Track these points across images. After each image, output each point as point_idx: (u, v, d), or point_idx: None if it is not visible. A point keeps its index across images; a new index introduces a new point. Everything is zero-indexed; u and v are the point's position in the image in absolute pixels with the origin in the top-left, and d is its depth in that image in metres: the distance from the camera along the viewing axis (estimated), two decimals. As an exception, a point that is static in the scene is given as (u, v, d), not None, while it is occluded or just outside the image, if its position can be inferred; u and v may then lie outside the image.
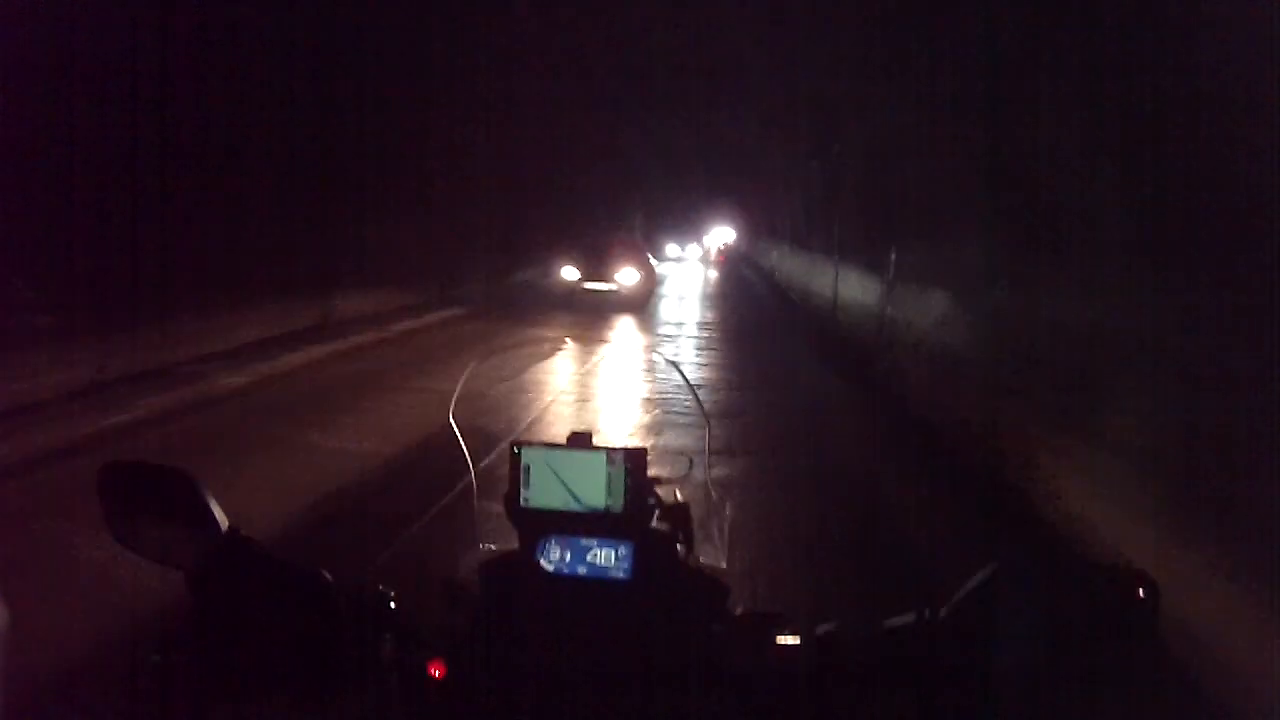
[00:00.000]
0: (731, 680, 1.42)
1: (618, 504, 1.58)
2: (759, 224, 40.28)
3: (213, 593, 1.41)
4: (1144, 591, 1.27)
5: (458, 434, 1.78)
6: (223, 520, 1.42)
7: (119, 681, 1.44)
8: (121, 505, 1.43)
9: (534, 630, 1.47)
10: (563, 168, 26.27)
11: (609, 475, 1.58)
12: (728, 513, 1.86)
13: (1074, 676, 1.28)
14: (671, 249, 48.94)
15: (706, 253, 50.50)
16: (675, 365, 1.83)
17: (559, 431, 2.09)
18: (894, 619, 1.40)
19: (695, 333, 17.87)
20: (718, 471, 8.55)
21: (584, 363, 12.38)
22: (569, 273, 21.74)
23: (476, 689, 1.43)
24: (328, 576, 1.52)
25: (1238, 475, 4.60)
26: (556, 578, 1.56)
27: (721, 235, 52.72)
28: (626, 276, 21.50)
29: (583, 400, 9.99)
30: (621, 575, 1.55)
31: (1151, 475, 5.34)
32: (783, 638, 1.49)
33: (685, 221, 53.22)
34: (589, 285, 21.29)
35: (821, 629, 1.45)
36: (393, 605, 1.53)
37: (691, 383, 1.80)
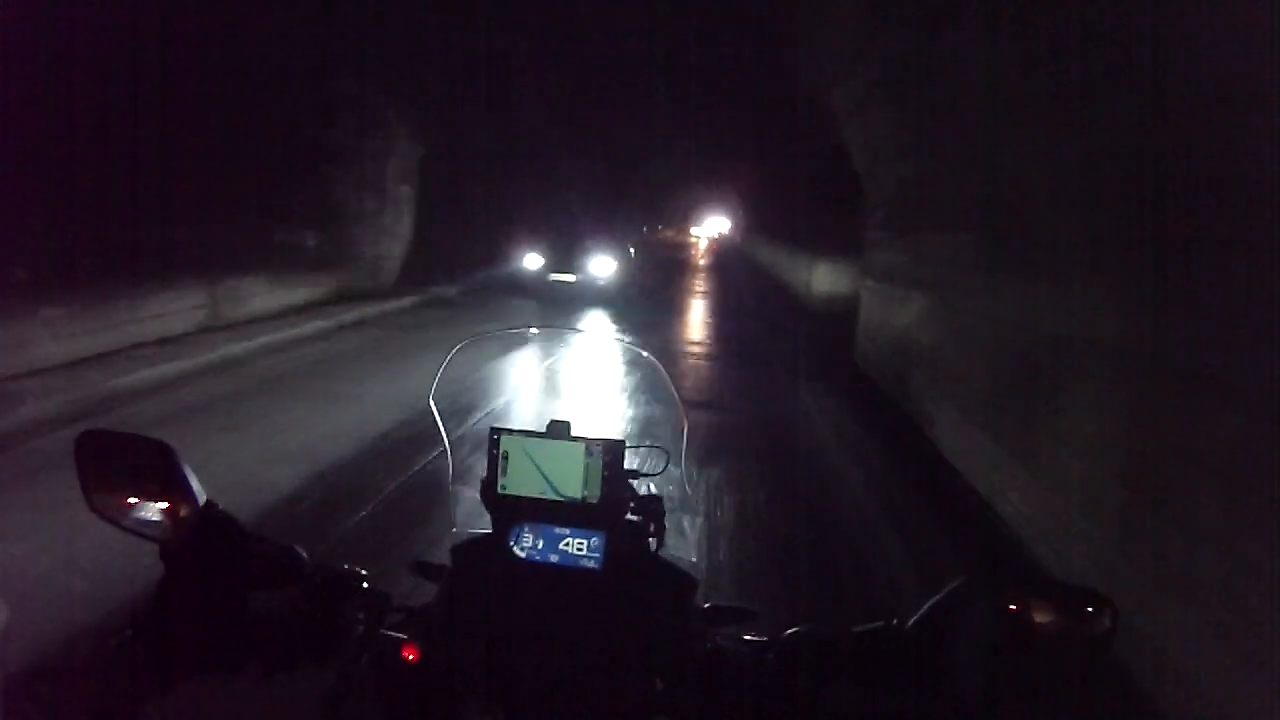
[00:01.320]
0: (697, 673, 1.44)
1: (594, 494, 1.59)
2: (754, 216, 39.56)
3: (186, 566, 1.41)
4: (1106, 615, 1.30)
5: (437, 417, 1.79)
6: (199, 493, 1.43)
7: (91, 655, 1.43)
8: (97, 474, 1.43)
9: (505, 616, 1.49)
10: (554, 156, 25.70)
11: (586, 466, 1.59)
12: (700, 509, 1.88)
13: (1033, 690, 1.31)
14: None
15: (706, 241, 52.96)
16: (655, 362, 1.84)
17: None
18: (861, 626, 1.42)
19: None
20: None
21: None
22: (533, 262, 19.83)
23: (448, 673, 1.45)
24: (301, 552, 1.53)
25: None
26: (528, 564, 1.57)
27: (716, 225, 53.56)
28: (601, 266, 19.59)
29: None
30: (593, 565, 1.56)
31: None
32: (749, 635, 1.52)
33: (681, 210, 54.60)
34: (557, 277, 19.36)
35: (788, 631, 1.47)
36: (365, 585, 1.55)
37: (668, 377, 1.82)
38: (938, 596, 1.35)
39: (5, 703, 1.26)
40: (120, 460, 1.45)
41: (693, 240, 55.73)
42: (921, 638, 1.34)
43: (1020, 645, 1.31)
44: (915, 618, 1.36)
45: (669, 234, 55.83)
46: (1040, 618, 1.31)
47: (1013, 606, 1.33)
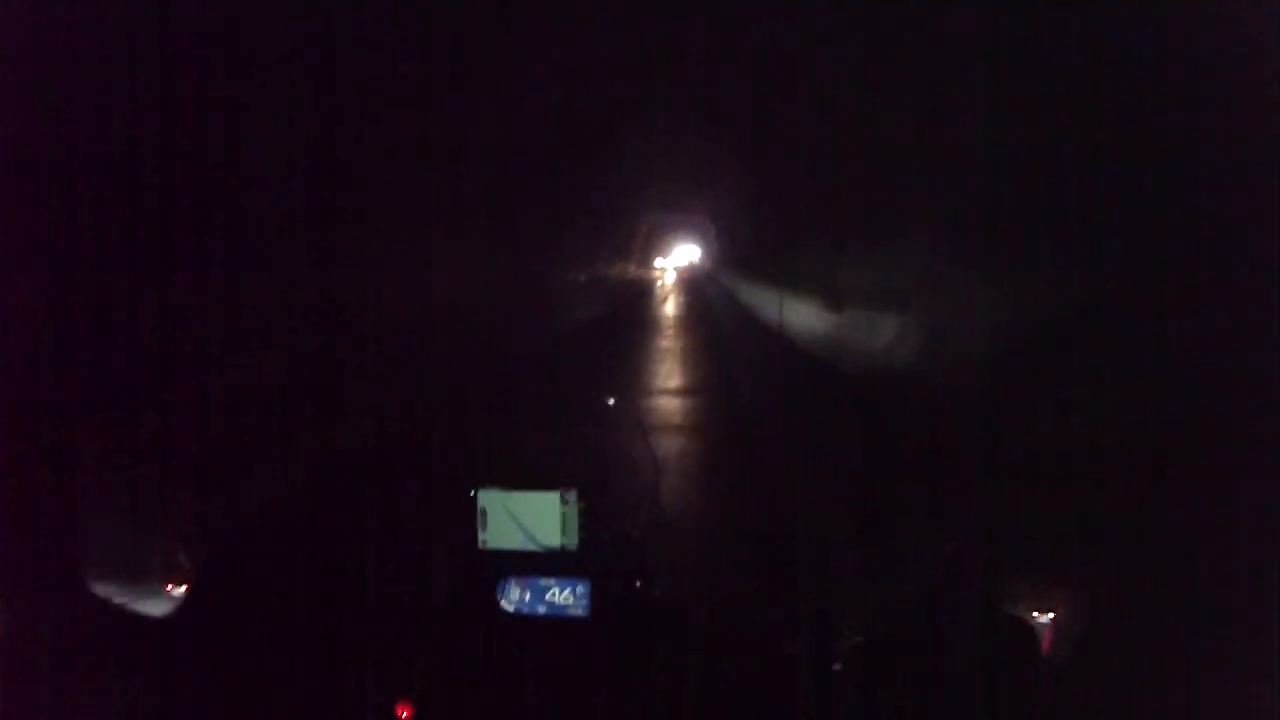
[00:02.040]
0: (693, 708, 1.46)
1: (572, 542, 1.60)
2: (728, 241, 36.09)
3: (177, 637, 1.43)
4: (1085, 603, 1.33)
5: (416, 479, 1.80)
6: (188, 566, 1.44)
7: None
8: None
9: (496, 669, 1.50)
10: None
11: (563, 514, 1.61)
12: (681, 544, 1.89)
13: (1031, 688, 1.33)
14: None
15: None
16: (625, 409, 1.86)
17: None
18: (854, 637, 1.43)
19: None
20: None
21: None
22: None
23: None
24: (296, 619, 1.54)
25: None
26: (517, 618, 1.59)
27: (687, 254, 48.10)
28: None
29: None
30: (580, 613, 1.57)
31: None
32: (749, 656, 1.53)
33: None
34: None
35: (783, 652, 1.48)
36: (362, 644, 1.56)
37: (643, 425, 1.84)
38: (920, 592, 1.37)
39: (5, 703, 1.28)
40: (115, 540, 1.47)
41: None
42: (913, 645, 1.36)
43: (1014, 647, 1.33)
44: (900, 619, 1.38)
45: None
46: (1025, 619, 1.34)
47: (1005, 612, 1.35)
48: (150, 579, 1.45)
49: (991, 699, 1.31)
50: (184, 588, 1.44)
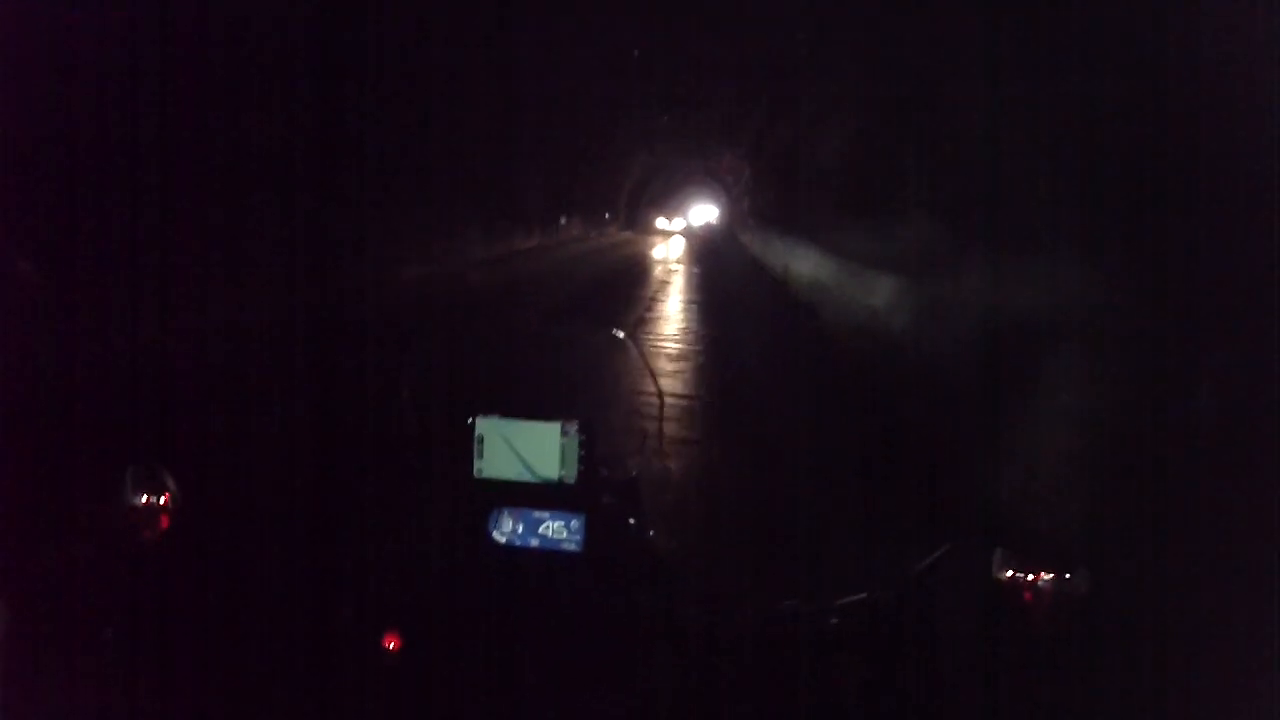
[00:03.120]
0: (683, 653, 1.44)
1: (571, 475, 1.57)
2: (742, 204, 38.56)
3: (167, 565, 1.40)
4: (1083, 577, 1.30)
5: (414, 408, 1.76)
6: (177, 495, 1.41)
7: (75, 656, 1.42)
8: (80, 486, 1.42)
9: (486, 601, 1.48)
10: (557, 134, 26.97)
11: (562, 446, 1.58)
12: (678, 488, 1.87)
13: (1025, 655, 1.31)
14: (660, 222, 49.55)
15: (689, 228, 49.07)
16: (632, 341, 1.83)
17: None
18: (849, 597, 1.42)
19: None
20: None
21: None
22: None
23: (430, 661, 1.44)
24: (288, 544, 1.53)
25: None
26: (508, 549, 1.56)
27: (704, 213, 50.85)
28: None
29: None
30: (573, 548, 1.55)
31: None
32: (740, 610, 1.51)
33: (673, 196, 51.29)
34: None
35: (780, 604, 1.47)
36: (350, 575, 1.54)
37: (647, 359, 1.81)
38: (924, 563, 1.35)
39: (5, 703, 1.25)
40: (102, 469, 1.44)
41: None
42: (911, 608, 1.34)
43: (1009, 612, 1.31)
44: (903, 587, 1.36)
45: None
46: (1027, 584, 1.31)
47: (1001, 575, 1.32)
48: (133, 499, 1.41)
49: (989, 658, 1.30)
50: (167, 503, 1.39)
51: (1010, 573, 1.31)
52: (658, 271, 22.46)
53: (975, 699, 1.30)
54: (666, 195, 51.31)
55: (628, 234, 40.86)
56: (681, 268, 22.98)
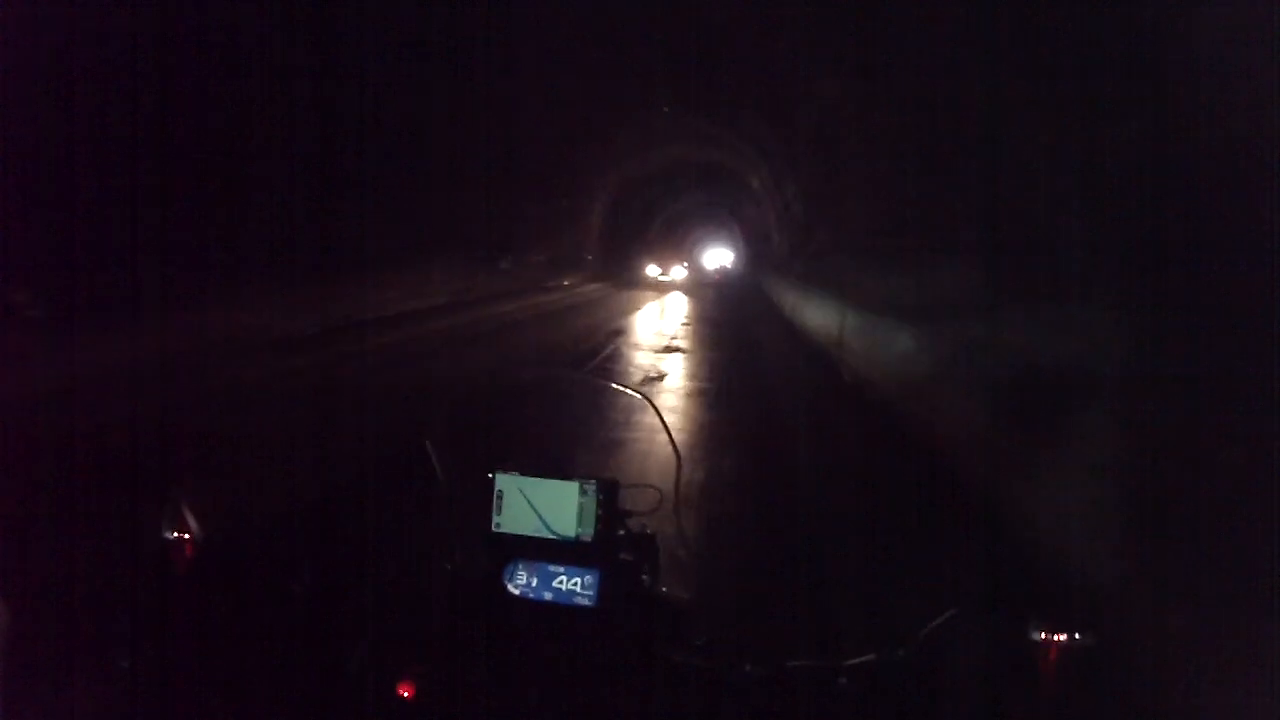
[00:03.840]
0: (696, 707, 1.45)
1: (588, 533, 1.59)
2: (756, 250, 37.90)
3: (183, 602, 1.42)
4: (1091, 632, 1.31)
5: (434, 458, 1.77)
6: (196, 530, 1.43)
7: (87, 685, 1.44)
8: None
9: (500, 653, 1.49)
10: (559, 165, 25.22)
11: (580, 505, 1.60)
12: (694, 544, 1.88)
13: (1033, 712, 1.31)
14: (651, 270, 41.76)
15: (695, 272, 44.64)
16: (650, 400, 1.84)
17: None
18: (856, 659, 1.43)
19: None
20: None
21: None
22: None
23: (444, 710, 1.45)
24: (300, 588, 1.54)
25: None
26: (523, 602, 1.58)
27: (718, 257, 48.74)
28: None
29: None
30: (587, 602, 1.57)
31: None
32: (748, 668, 1.52)
33: (674, 240, 46.39)
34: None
35: (786, 664, 1.48)
36: (364, 617, 1.55)
37: (663, 416, 1.82)
38: (933, 624, 1.36)
39: (5, 703, 1.27)
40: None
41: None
42: (918, 668, 1.35)
43: (1015, 672, 1.32)
44: (912, 647, 1.37)
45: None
46: (1034, 640, 1.32)
47: (1006, 632, 1.33)
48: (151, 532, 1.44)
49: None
50: (191, 539, 1.42)
51: (1044, 635, 1.32)
52: (635, 364, 12.75)
53: None
54: (665, 233, 43.70)
55: (598, 286, 31.45)
56: (681, 360, 13.43)
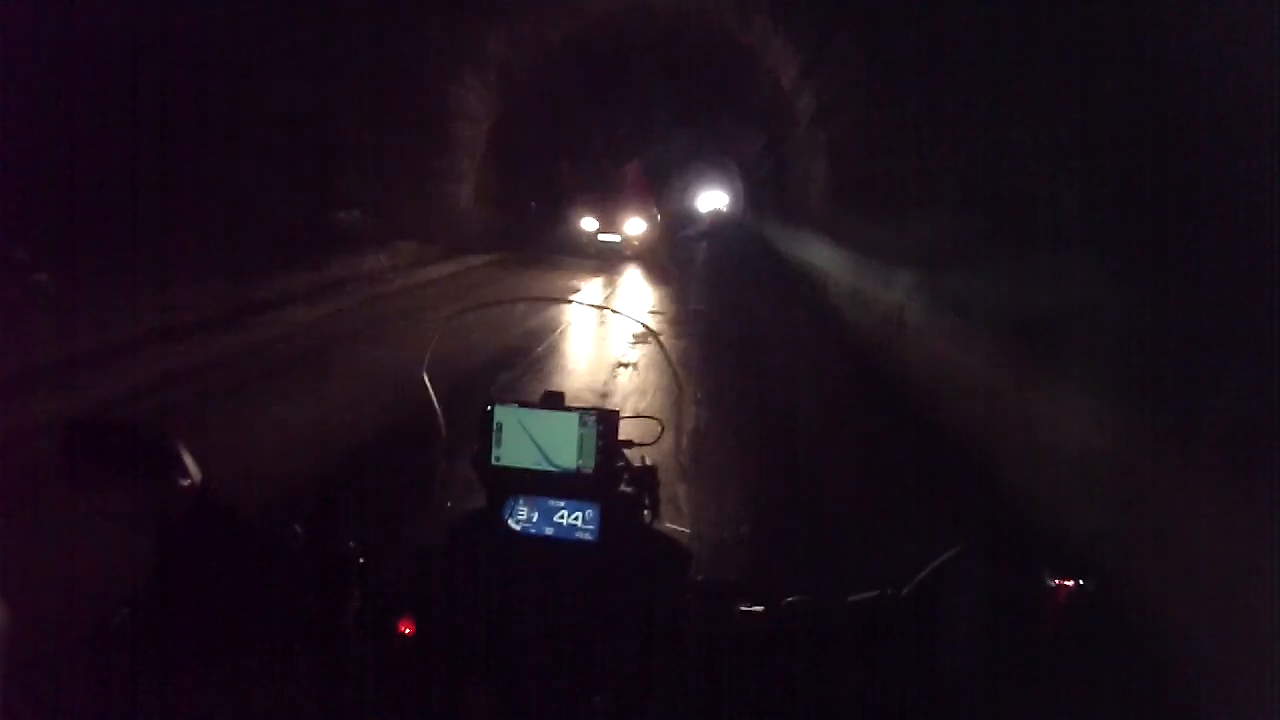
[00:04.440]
0: (693, 645, 1.45)
1: (588, 465, 1.58)
2: (754, 193, 33.61)
3: (181, 550, 1.41)
4: (1093, 580, 1.31)
5: (430, 391, 1.76)
6: (195, 474, 1.42)
7: (85, 640, 1.43)
8: (88, 467, 1.41)
9: (501, 589, 1.49)
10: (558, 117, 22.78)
11: (580, 436, 1.58)
12: (694, 481, 1.87)
13: (1032, 659, 1.31)
14: (587, 223, 28.61)
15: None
16: (655, 335, 1.82)
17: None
18: (857, 595, 1.42)
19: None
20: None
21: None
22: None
23: (445, 647, 1.45)
24: (298, 531, 1.53)
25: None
26: (523, 537, 1.57)
27: (713, 199, 46.26)
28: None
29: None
30: (588, 537, 1.56)
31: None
32: (746, 606, 1.52)
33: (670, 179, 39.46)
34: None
35: (785, 600, 1.47)
36: (361, 562, 1.55)
37: (662, 344, 1.80)
38: (934, 564, 1.35)
39: (5, 703, 1.26)
40: (112, 450, 1.43)
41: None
42: (919, 608, 1.35)
43: (1017, 615, 1.31)
44: (912, 586, 1.36)
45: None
46: (1036, 585, 1.32)
47: (1009, 575, 1.33)
48: (153, 478, 1.41)
49: (997, 661, 1.30)
50: (191, 486, 1.40)
51: (1046, 578, 1.31)
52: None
53: (980, 701, 1.30)
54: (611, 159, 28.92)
55: (460, 268, 17.01)
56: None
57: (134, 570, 1.39)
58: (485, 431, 1.62)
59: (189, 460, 1.41)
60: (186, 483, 1.41)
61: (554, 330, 10.22)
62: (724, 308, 14.25)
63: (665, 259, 20.57)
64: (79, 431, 1.40)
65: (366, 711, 1.44)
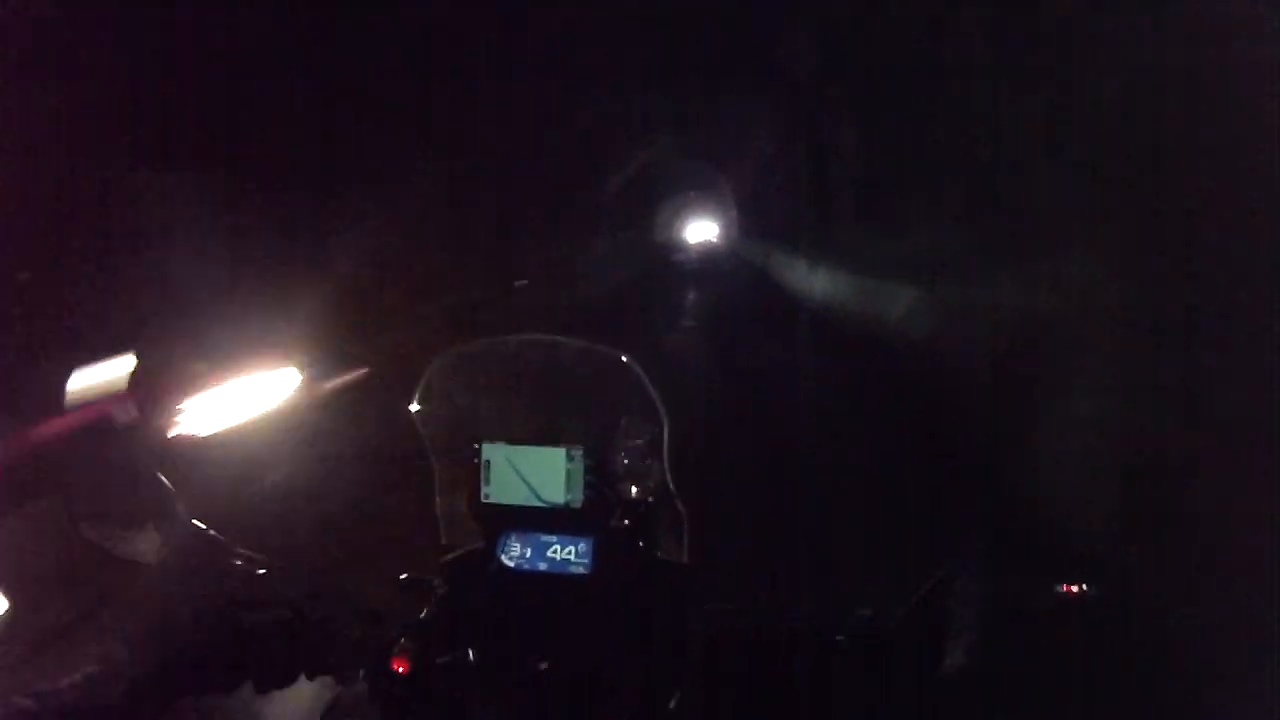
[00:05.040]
0: (693, 671, 1.45)
1: (577, 499, 1.59)
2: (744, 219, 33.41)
3: (177, 586, 1.42)
4: (1097, 585, 1.30)
5: (420, 429, 1.76)
6: (185, 517, 1.43)
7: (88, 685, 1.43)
8: (87, 500, 1.42)
9: (496, 626, 1.49)
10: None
11: (568, 471, 1.59)
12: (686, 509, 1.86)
13: (1031, 672, 1.31)
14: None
15: None
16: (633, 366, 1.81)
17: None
18: (855, 614, 1.42)
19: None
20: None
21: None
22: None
23: (440, 686, 1.45)
24: (297, 571, 1.54)
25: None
26: (517, 574, 1.57)
27: (702, 231, 44.71)
28: None
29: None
30: (582, 570, 1.56)
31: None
32: (745, 632, 1.52)
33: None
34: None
35: (784, 624, 1.47)
36: (357, 601, 1.55)
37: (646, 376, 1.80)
38: (932, 581, 1.35)
39: (5, 702, 1.27)
40: (110, 486, 1.45)
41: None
42: (916, 627, 1.35)
43: (1016, 630, 1.31)
44: (909, 607, 1.36)
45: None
46: (1036, 600, 1.32)
47: (1008, 590, 1.33)
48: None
49: (996, 676, 1.30)
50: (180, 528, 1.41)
51: (1065, 589, 1.31)
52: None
53: (980, 716, 1.30)
54: None
55: None
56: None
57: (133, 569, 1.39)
58: (474, 470, 1.62)
59: (179, 504, 1.42)
60: (175, 524, 1.42)
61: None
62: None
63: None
64: (79, 466, 1.42)
65: None
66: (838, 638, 1.42)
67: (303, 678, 1.47)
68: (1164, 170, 4.47)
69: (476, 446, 1.62)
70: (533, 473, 1.60)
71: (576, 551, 1.57)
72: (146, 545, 1.44)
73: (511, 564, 1.58)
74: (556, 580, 1.57)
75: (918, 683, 1.35)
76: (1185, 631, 3.78)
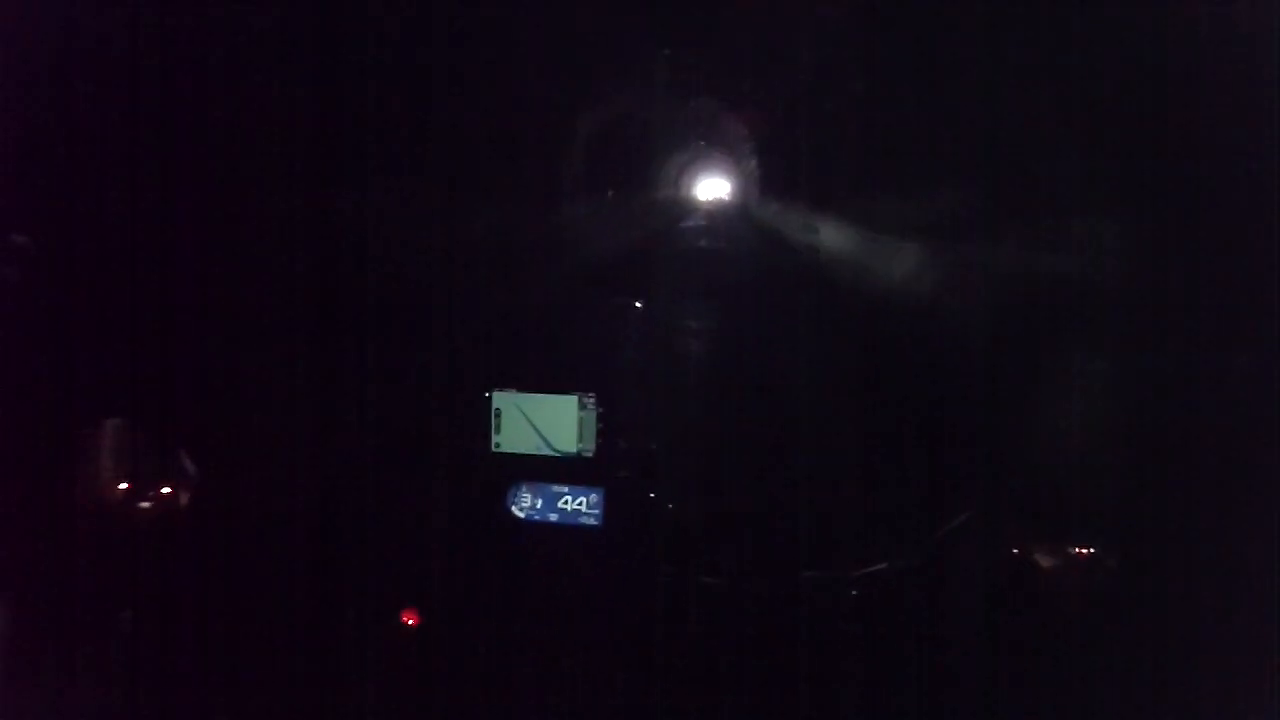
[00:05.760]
0: (702, 622, 1.45)
1: (589, 448, 1.57)
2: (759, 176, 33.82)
3: (187, 549, 1.41)
4: (1112, 559, 1.30)
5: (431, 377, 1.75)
6: (193, 471, 1.42)
7: (91, 639, 1.43)
8: (93, 463, 1.42)
9: (506, 576, 1.49)
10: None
11: (580, 419, 1.57)
12: (699, 457, 1.85)
13: (1033, 634, 1.31)
14: None
15: None
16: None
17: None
18: (869, 567, 1.42)
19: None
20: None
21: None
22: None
23: (449, 637, 1.45)
24: (300, 531, 1.53)
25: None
26: (528, 524, 1.56)
27: (713, 188, 45.54)
28: None
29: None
30: (592, 522, 1.55)
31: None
32: (753, 583, 1.51)
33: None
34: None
35: (793, 575, 1.47)
36: (363, 557, 1.54)
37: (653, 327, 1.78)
38: (940, 533, 1.34)
39: (5, 702, 1.26)
40: (117, 448, 1.44)
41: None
42: (924, 581, 1.34)
43: (1021, 590, 1.31)
44: (917, 559, 1.36)
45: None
46: (1043, 561, 1.31)
47: (1015, 550, 1.32)
48: (152, 481, 1.41)
49: (1007, 629, 1.29)
50: (186, 491, 1.40)
51: (1029, 551, 1.31)
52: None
53: (992, 669, 1.29)
54: None
55: None
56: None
57: (134, 570, 1.38)
58: (484, 418, 1.60)
59: (189, 464, 1.42)
60: (186, 486, 1.41)
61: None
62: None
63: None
64: (81, 430, 1.40)
65: (369, 704, 1.44)
66: (852, 591, 1.41)
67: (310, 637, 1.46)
68: (1172, 133, 4.46)
69: (487, 394, 1.60)
70: (544, 421, 1.58)
71: (588, 502, 1.56)
72: (154, 508, 1.42)
73: (522, 514, 1.57)
74: (567, 531, 1.56)
75: (931, 633, 1.34)
76: (1185, 617, 3.78)
